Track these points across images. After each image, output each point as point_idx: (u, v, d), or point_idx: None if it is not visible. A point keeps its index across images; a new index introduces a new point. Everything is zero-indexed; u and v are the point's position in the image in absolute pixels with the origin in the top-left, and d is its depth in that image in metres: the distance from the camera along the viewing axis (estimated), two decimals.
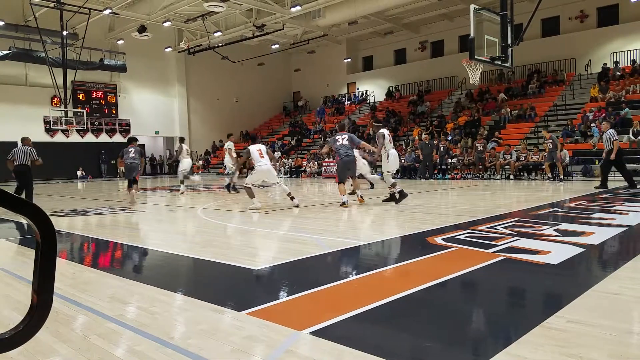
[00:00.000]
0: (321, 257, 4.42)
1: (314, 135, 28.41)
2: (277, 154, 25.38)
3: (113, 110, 26.82)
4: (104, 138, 26.24)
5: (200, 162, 29.01)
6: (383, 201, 9.06)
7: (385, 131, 9.13)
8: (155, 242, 5.85)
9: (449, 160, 18.48)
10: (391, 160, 8.93)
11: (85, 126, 23.68)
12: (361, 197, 9.11)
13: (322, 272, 3.96)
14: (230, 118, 31.37)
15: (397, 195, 8.77)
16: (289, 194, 8.62)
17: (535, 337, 2.29)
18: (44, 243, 0.82)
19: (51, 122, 21.67)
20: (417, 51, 29.13)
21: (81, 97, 25.24)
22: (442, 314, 2.82)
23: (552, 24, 23.61)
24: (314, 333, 2.40)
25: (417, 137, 20.95)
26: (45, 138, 23.60)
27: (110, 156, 25.73)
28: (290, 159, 25.04)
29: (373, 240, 5.42)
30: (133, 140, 10.87)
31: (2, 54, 21.77)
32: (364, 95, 30.94)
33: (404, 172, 19.15)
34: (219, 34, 24.98)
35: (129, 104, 27.51)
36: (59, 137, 24.33)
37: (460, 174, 17.73)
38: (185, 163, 13.34)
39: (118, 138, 26.80)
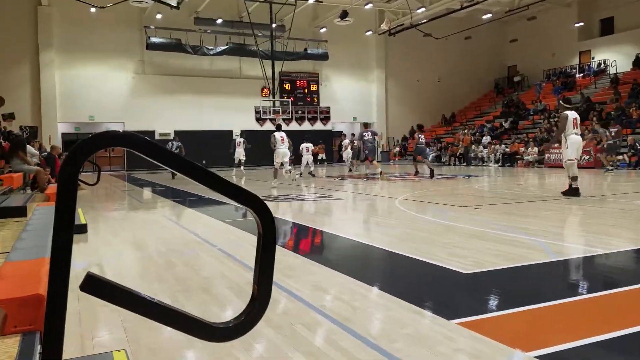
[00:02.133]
0: (546, 266, 3.97)
1: (534, 116, 25.96)
2: (486, 138, 24.06)
3: (315, 98, 29.30)
4: (306, 126, 28.85)
5: (397, 149, 29.43)
6: (562, 194, 8.72)
7: (571, 113, 8.70)
8: (353, 231, 6.13)
9: None
10: (570, 146, 8.59)
11: (290, 115, 26.48)
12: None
13: (548, 284, 3.54)
14: (431, 100, 31.01)
15: (571, 189, 8.68)
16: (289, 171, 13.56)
17: None
18: (265, 235, 0.87)
19: (261, 112, 24.89)
20: None
21: (287, 87, 28.23)
22: None
23: None
24: (541, 357, 2.13)
25: None
26: (256, 127, 27.23)
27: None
28: (503, 145, 23.40)
29: (614, 248, 4.64)
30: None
31: (220, 50, 25.95)
32: (602, 65, 26.93)
33: None
34: (422, 10, 24.82)
35: (329, 92, 29.65)
36: (267, 126, 27.71)
37: None
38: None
39: (319, 126, 29.20)
